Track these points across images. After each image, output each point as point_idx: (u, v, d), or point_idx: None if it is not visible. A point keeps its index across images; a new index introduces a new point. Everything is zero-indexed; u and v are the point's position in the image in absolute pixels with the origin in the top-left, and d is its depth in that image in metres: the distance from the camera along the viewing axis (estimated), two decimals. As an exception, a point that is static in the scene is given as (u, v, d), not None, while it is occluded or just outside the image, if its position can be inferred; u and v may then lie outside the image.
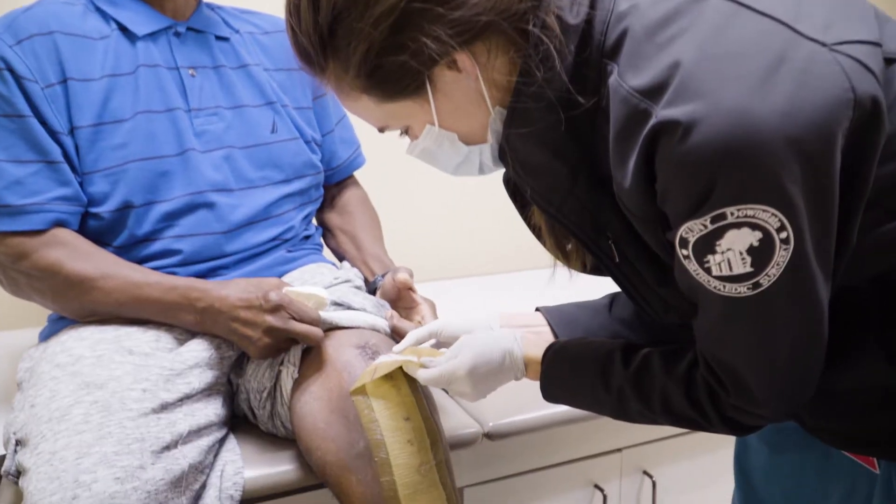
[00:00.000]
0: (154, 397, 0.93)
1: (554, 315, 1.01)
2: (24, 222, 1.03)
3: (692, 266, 0.65)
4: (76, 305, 1.05)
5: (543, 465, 1.31)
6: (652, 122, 0.62)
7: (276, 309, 0.99)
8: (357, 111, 0.78)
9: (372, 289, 1.23)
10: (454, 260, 1.98)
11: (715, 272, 0.64)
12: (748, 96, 0.59)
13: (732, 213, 0.61)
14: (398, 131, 0.81)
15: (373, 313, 1.10)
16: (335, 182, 1.39)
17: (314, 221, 1.38)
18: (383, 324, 1.09)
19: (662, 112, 0.61)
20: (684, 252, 0.65)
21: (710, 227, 0.62)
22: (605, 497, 1.35)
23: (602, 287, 0.96)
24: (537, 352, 0.89)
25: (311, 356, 1.02)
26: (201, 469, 0.95)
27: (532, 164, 0.75)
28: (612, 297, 1.01)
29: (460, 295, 1.78)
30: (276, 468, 1.03)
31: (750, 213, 0.60)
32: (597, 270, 0.86)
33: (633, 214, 0.70)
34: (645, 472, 1.41)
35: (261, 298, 0.99)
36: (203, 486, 0.95)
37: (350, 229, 1.35)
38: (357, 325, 1.06)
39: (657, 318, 0.79)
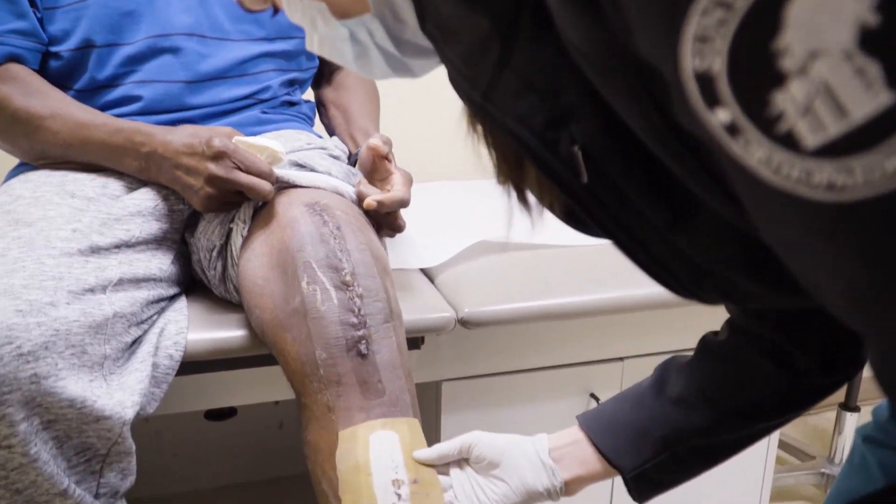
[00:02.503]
0: (85, 238, 0.87)
1: (592, 425, 0.77)
2: (-25, 54, 0.97)
3: (744, 140, 0.29)
4: (25, 145, 0.99)
5: (532, 367, 1.21)
6: None
7: (218, 156, 0.90)
8: None
9: (353, 162, 1.13)
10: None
11: (809, 140, 0.27)
12: None
13: None
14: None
15: (338, 178, 1.01)
16: None
17: (309, 96, 1.28)
18: (348, 189, 0.99)
19: None
20: (722, 117, 0.29)
21: (740, 6, 0.27)
22: (599, 408, 1.25)
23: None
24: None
25: (261, 213, 0.94)
26: (135, 322, 0.89)
27: (445, 21, 0.45)
28: (664, 368, 0.74)
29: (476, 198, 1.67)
30: (223, 333, 0.97)
31: None
32: (572, 216, 0.50)
33: (594, 66, 0.38)
34: (649, 387, 1.29)
35: (203, 144, 0.91)
36: (138, 342, 0.90)
37: (343, 103, 1.25)
38: (318, 185, 0.97)
39: (690, 298, 0.48)
